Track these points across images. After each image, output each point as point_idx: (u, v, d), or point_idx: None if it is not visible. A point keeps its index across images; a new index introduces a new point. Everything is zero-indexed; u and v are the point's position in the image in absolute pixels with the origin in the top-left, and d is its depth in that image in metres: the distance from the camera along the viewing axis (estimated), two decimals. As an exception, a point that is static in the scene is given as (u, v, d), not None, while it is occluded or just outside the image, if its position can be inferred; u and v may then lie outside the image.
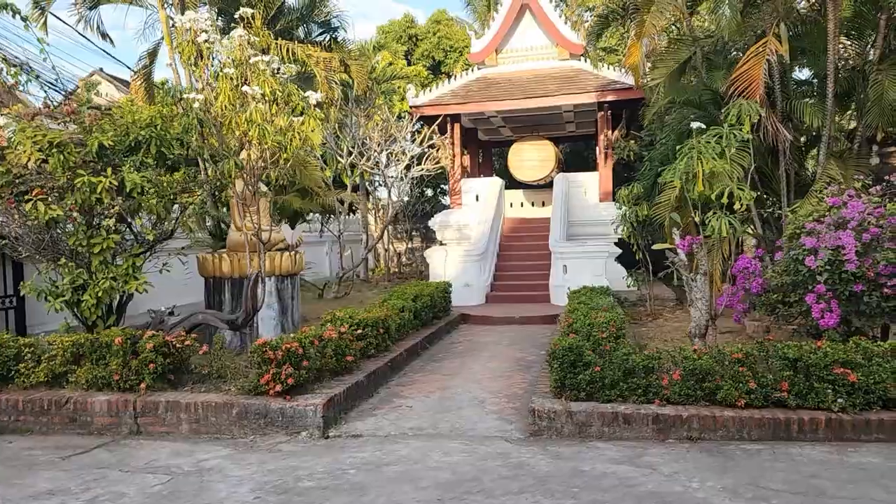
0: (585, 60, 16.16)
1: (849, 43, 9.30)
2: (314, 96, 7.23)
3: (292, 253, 9.05)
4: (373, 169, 14.16)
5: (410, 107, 15.96)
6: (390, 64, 24.50)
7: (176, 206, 7.87)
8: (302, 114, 7.26)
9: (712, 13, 9.14)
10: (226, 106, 6.71)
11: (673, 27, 10.13)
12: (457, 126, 16.47)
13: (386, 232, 21.14)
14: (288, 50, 9.74)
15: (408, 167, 15.30)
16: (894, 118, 8.05)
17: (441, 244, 16.35)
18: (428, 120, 16.47)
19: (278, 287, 8.93)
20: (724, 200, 5.80)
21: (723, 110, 6.10)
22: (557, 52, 16.60)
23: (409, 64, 25.93)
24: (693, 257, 7.04)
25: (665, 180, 6.49)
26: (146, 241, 7.55)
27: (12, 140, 6.96)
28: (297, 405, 5.78)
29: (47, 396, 6.18)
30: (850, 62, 9.14)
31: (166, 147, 7.66)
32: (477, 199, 16.55)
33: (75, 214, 6.82)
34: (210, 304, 8.91)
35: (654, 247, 7.34)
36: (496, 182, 16.90)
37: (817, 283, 5.71)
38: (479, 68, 17.20)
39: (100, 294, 7.06)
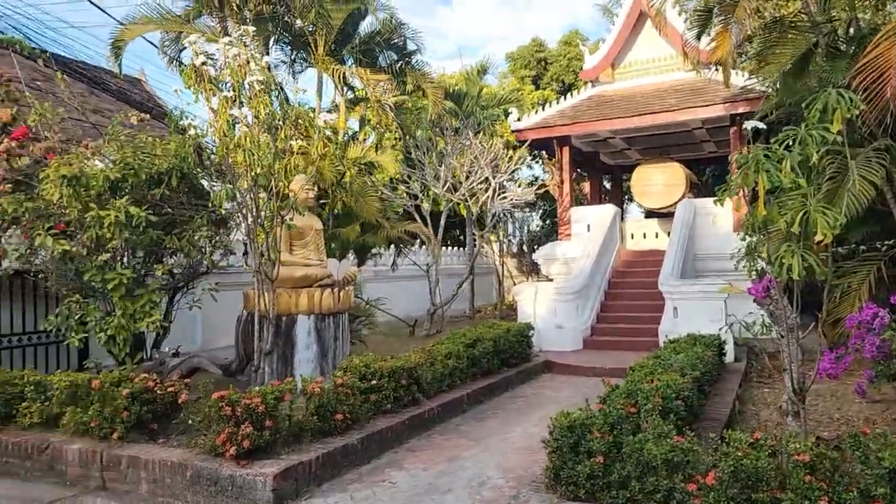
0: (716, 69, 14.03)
1: None
2: (324, 118, 6.52)
3: (335, 290, 8.35)
4: (465, 200, 13.26)
5: (513, 131, 14.90)
6: (517, 90, 23.67)
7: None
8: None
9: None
10: (224, 131, 6.21)
11: (801, 15, 8.11)
12: (565, 150, 15.07)
13: (504, 265, 20.07)
14: (342, 75, 9.29)
15: (504, 197, 14.18)
16: None
17: (548, 279, 14.95)
18: (536, 145, 15.30)
19: (318, 327, 8.26)
20: (796, 229, 4.07)
21: (804, 104, 4.36)
22: (683, 63, 14.62)
23: (537, 88, 24.87)
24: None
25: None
26: (164, 277, 7.24)
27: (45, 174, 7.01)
28: (247, 474, 4.93)
29: (32, 440, 5.92)
30: None
31: (194, 178, 7.36)
32: (588, 229, 14.94)
33: (82, 249, 6.66)
34: (253, 340, 8.46)
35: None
36: (608, 210, 15.17)
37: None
38: (593, 86, 15.73)
39: (110, 332, 6.82)
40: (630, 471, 4.02)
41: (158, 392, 5.90)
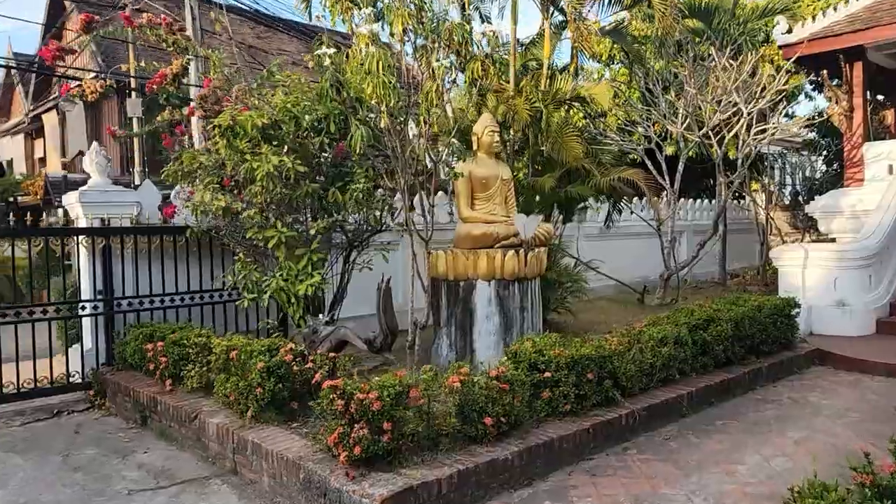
0: None
1: None
2: (485, 29, 5.02)
3: (520, 251, 6.89)
4: (707, 139, 10.58)
5: (780, 47, 11.58)
6: (795, 2, 19.15)
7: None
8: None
9: None
10: (361, 59, 5.07)
11: None
12: (857, 66, 11.27)
13: (771, 221, 16.50)
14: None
15: (763, 131, 11.06)
16: None
17: (828, 239, 11.62)
18: (813, 63, 11.77)
19: (500, 294, 6.93)
20: None
21: None
22: None
23: (822, -1, 19.79)
24: None
25: None
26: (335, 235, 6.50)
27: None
28: (353, 492, 3.84)
29: (187, 408, 5.60)
30: None
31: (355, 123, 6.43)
32: (891, 171, 11.12)
33: (241, 204, 6.15)
34: (433, 307, 7.44)
35: None
36: (924, 144, 11.08)
37: None
38: (904, -24, 11.50)
39: (269, 293, 6.28)
40: None
41: (295, 368, 5.10)
